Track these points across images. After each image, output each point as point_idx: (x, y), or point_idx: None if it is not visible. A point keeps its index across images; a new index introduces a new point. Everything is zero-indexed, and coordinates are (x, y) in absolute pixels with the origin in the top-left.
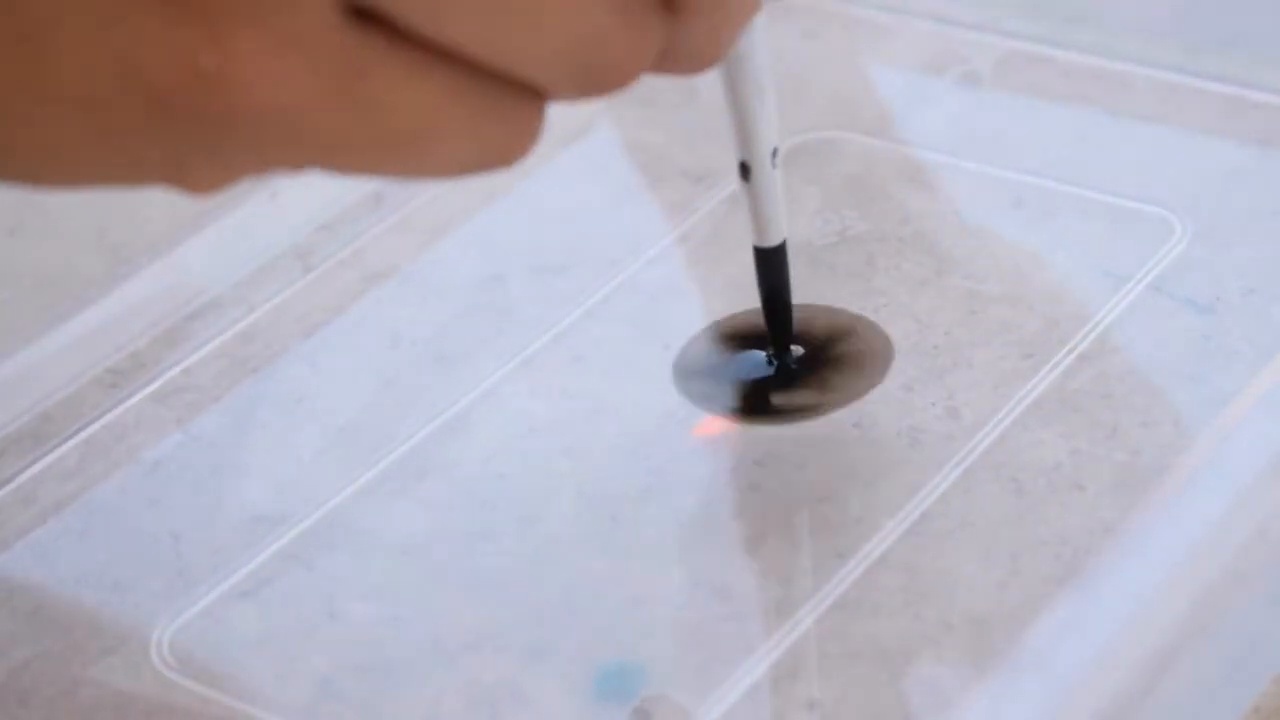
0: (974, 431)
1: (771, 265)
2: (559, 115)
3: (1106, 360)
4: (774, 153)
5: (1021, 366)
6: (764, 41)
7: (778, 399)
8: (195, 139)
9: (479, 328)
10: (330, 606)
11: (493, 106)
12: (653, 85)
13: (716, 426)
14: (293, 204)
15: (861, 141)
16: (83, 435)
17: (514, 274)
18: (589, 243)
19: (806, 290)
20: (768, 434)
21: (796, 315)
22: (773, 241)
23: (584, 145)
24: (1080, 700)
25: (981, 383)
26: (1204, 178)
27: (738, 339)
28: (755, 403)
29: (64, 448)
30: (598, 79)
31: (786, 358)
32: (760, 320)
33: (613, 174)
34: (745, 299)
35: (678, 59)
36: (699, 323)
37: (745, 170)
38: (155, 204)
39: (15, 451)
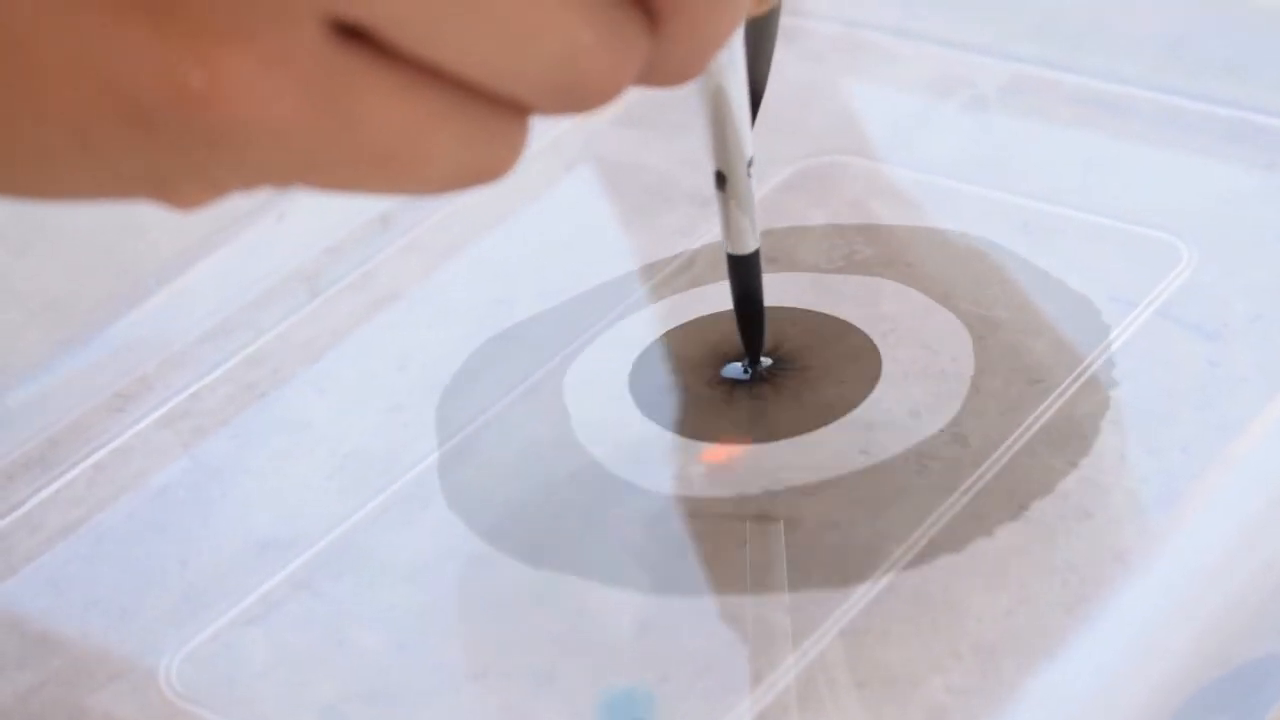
0: (982, 458)
1: (745, 272)
2: (564, 140)
3: (1114, 386)
4: (749, 162)
5: (1029, 392)
6: (741, 54)
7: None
8: (181, 156)
9: (486, 351)
10: (338, 633)
11: (477, 123)
12: (658, 108)
13: (723, 452)
14: (299, 228)
15: (868, 165)
16: (90, 460)
17: (520, 298)
18: (595, 266)
19: (813, 318)
20: (775, 460)
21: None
22: (747, 249)
23: (589, 169)
24: None
25: (989, 409)
26: (1211, 202)
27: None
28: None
29: (71, 473)
30: (581, 95)
31: (760, 366)
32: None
33: (618, 197)
34: None
35: (660, 73)
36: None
37: (721, 180)
38: (163, 228)
39: (23, 477)
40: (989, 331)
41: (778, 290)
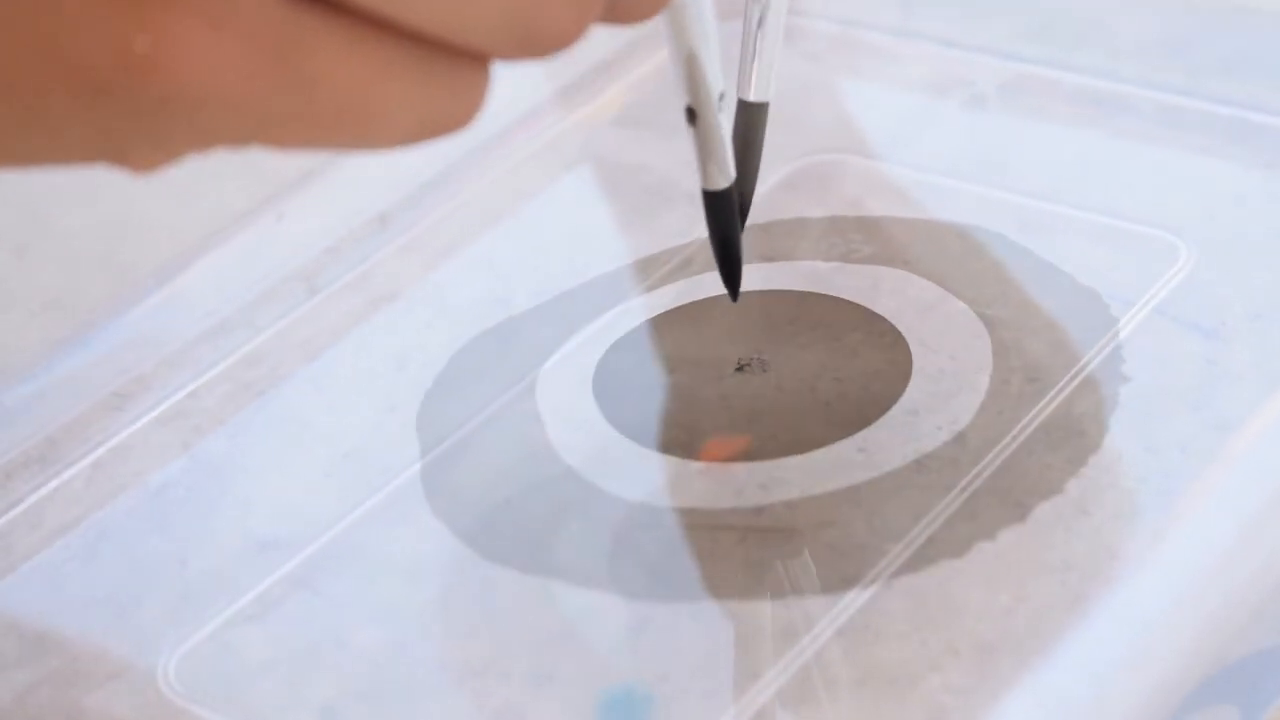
0: (979, 456)
1: (719, 209)
2: (563, 139)
3: (1112, 384)
4: (720, 96)
5: (1027, 391)
6: None
7: None
8: (132, 121)
9: (484, 351)
10: (336, 632)
11: (435, 75)
12: (657, 108)
13: (719, 450)
14: (298, 228)
15: (866, 164)
16: (88, 459)
17: (519, 297)
18: (594, 265)
19: (811, 315)
20: (771, 458)
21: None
22: (721, 184)
23: (588, 167)
24: None
25: (987, 407)
26: (1209, 201)
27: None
28: None
29: (69, 471)
30: (541, 40)
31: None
32: None
33: (617, 196)
34: None
35: (624, 10)
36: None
37: (691, 115)
38: (161, 227)
39: (21, 475)
40: (986, 329)
41: (776, 283)
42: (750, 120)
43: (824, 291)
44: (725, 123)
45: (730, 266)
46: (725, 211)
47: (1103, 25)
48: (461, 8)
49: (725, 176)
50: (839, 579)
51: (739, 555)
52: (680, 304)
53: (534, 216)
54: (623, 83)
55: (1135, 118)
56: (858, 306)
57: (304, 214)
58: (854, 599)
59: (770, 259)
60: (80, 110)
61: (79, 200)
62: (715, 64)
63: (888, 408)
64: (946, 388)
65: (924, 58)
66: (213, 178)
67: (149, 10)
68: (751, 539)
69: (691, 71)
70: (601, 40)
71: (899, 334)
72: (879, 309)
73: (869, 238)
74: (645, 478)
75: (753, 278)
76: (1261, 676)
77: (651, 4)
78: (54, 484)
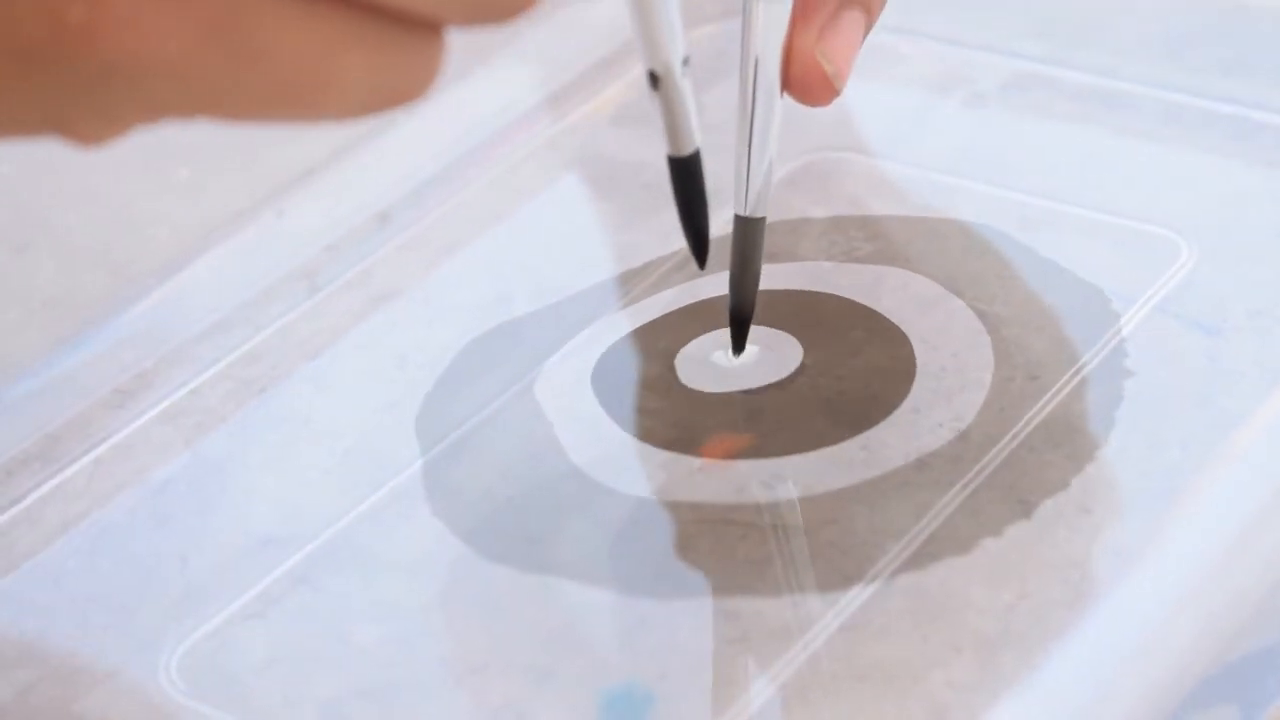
0: (981, 453)
1: (686, 174)
2: (562, 138)
3: (1113, 382)
4: (684, 61)
5: (1029, 388)
6: None
7: None
8: (73, 91)
9: (485, 349)
10: (338, 629)
11: (387, 43)
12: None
13: (721, 448)
14: (299, 225)
15: (867, 162)
16: (90, 456)
17: (520, 295)
18: (593, 264)
19: (813, 312)
20: (773, 456)
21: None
22: (687, 150)
23: (588, 166)
24: None
25: (989, 404)
26: (1210, 199)
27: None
28: None
29: (71, 469)
30: (494, 5)
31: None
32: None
33: (617, 195)
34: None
35: None
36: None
37: (654, 79)
38: (162, 224)
39: (23, 472)
40: (989, 327)
41: (778, 282)
42: (747, 235)
43: (826, 288)
44: (688, 86)
45: (697, 234)
46: (692, 178)
47: (1104, 23)
48: None
49: (691, 142)
50: (841, 576)
51: (741, 552)
52: (681, 302)
53: (534, 215)
54: (621, 82)
55: (1137, 116)
56: (860, 304)
57: (304, 212)
58: (856, 596)
59: (772, 257)
60: (20, 81)
61: (79, 198)
62: (677, 27)
63: (890, 405)
64: (948, 385)
65: (925, 56)
66: (213, 175)
67: None
68: (753, 536)
69: (652, 35)
70: (599, 39)
71: (901, 332)
72: (881, 306)
73: (870, 236)
74: (647, 475)
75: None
76: (1262, 675)
77: None
78: (55, 481)
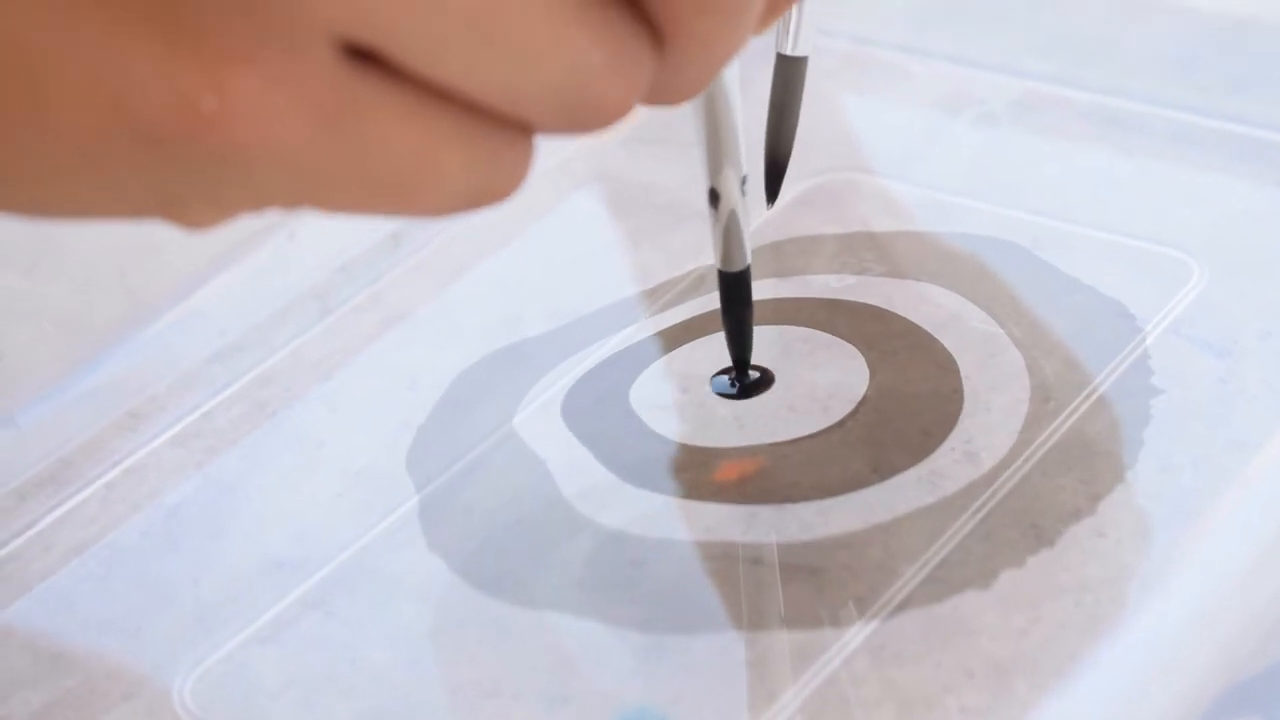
0: (994, 477)
1: (735, 290)
2: (574, 158)
3: (1125, 404)
4: (743, 180)
5: (1041, 410)
6: (736, 72)
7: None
8: (191, 177)
9: (496, 370)
10: (350, 653)
11: (485, 144)
12: (668, 127)
13: (734, 472)
14: (310, 247)
15: (878, 183)
16: (102, 479)
17: (531, 316)
18: (604, 285)
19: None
20: (785, 478)
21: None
22: (738, 266)
23: (599, 186)
24: None
25: (1001, 427)
26: (1221, 219)
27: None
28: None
29: (84, 492)
30: (588, 115)
31: (745, 379)
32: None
33: (629, 215)
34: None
35: (665, 91)
36: (718, 362)
37: (715, 197)
38: (174, 247)
39: (36, 496)
40: (1000, 349)
41: (790, 305)
42: (789, 74)
43: (837, 310)
44: (745, 207)
45: (741, 344)
46: (740, 292)
47: (1114, 43)
48: (516, 79)
49: (743, 259)
50: (854, 601)
51: (752, 576)
52: (692, 323)
53: (545, 235)
54: None
55: (1146, 135)
56: (870, 325)
57: (316, 233)
58: (869, 619)
59: (782, 276)
60: (140, 162)
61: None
62: (740, 148)
63: (902, 428)
64: (960, 408)
65: (935, 75)
66: None
67: (217, 68)
68: (766, 558)
69: (717, 155)
70: None
71: (912, 353)
72: (892, 328)
73: (880, 256)
74: (659, 500)
75: (765, 295)
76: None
77: (691, 88)
78: (68, 505)
